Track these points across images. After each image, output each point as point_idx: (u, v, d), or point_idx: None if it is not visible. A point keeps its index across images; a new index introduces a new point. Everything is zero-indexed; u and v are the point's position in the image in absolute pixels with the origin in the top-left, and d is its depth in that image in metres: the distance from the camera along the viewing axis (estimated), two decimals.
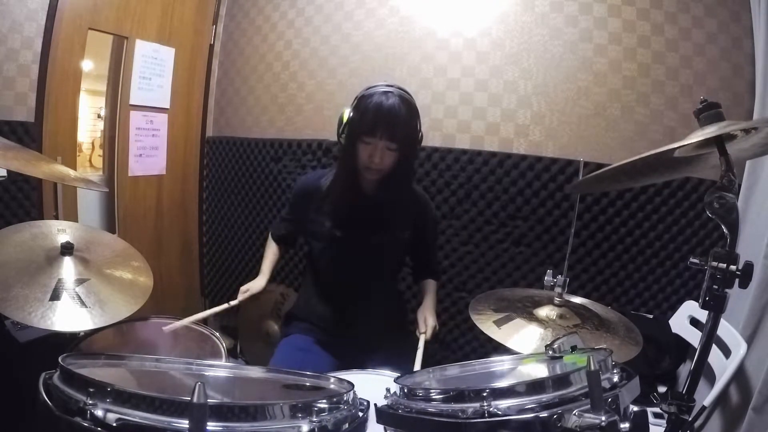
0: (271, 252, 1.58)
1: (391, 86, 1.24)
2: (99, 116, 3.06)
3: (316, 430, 0.60)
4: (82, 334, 1.21)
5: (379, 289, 1.44)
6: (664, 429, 0.85)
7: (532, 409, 0.61)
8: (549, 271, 1.26)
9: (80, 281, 1.13)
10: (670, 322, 1.66)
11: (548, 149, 1.89)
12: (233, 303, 1.48)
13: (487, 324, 1.13)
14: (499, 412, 0.61)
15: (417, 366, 1.20)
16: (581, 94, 1.85)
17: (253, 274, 2.42)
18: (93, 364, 0.76)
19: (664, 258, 1.79)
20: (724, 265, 0.75)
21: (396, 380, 0.80)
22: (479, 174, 1.94)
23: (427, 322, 1.37)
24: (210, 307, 1.50)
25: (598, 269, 1.86)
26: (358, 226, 1.35)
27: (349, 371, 1.12)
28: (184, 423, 0.53)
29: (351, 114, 1.24)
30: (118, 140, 2.22)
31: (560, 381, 0.64)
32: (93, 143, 3.63)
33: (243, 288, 1.50)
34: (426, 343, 1.31)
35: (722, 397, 1.35)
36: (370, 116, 1.19)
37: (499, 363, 0.92)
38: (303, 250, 2.15)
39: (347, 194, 1.32)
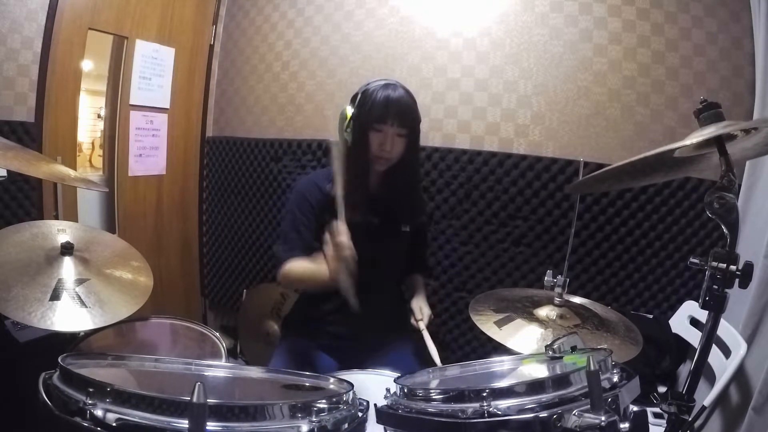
0: (302, 261, 1.26)
1: (390, 80, 1.29)
2: (99, 116, 3.05)
3: (315, 430, 0.61)
4: (82, 334, 1.21)
5: (382, 288, 1.44)
6: (664, 429, 0.85)
7: (531, 409, 0.61)
8: (549, 271, 1.26)
9: (80, 281, 1.13)
10: (670, 322, 1.66)
11: (548, 149, 1.89)
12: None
13: (487, 324, 1.13)
14: (499, 412, 0.61)
15: (435, 355, 1.24)
16: (581, 94, 1.85)
17: (254, 274, 2.46)
18: (93, 364, 0.76)
19: (664, 258, 1.79)
20: (724, 265, 0.75)
21: (396, 380, 0.80)
22: (479, 174, 1.94)
23: (423, 310, 1.40)
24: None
25: (598, 269, 1.85)
26: (365, 224, 1.34)
27: (349, 371, 1.12)
28: (184, 423, 0.53)
29: (358, 106, 1.26)
30: (118, 140, 2.22)
31: (560, 381, 0.64)
32: (93, 143, 3.62)
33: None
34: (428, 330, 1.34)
35: (722, 397, 1.34)
36: (381, 104, 1.23)
37: (499, 363, 0.92)
38: None
39: (359, 187, 1.32)
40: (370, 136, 1.26)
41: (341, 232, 1.07)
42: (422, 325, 1.34)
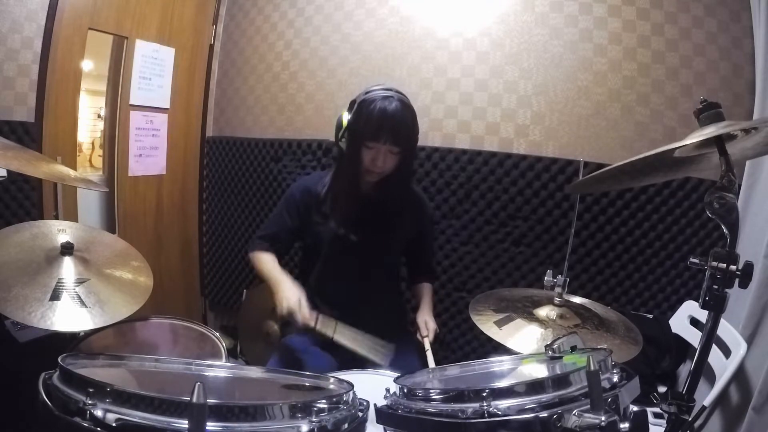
0: (271, 260, 1.38)
1: (389, 89, 1.26)
2: (99, 116, 3.06)
3: (315, 430, 0.60)
4: (82, 334, 1.21)
5: (380, 289, 1.44)
6: (664, 429, 0.85)
7: (531, 409, 0.61)
8: (549, 271, 1.26)
9: (80, 281, 1.13)
10: (670, 322, 1.66)
11: (548, 149, 1.89)
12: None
13: (487, 324, 1.13)
14: (499, 412, 0.61)
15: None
16: (581, 94, 1.85)
17: (254, 274, 2.46)
18: (93, 364, 0.76)
19: (664, 258, 1.79)
20: (724, 265, 0.75)
21: (396, 380, 0.80)
22: (479, 174, 1.94)
23: (428, 325, 1.37)
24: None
25: (598, 269, 1.85)
26: (358, 227, 1.35)
27: (349, 371, 1.12)
28: (184, 423, 0.53)
29: (352, 118, 1.24)
30: (118, 140, 2.22)
31: (560, 381, 0.64)
32: (93, 143, 3.62)
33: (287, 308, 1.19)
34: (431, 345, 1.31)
35: (722, 397, 1.35)
36: (374, 122, 1.20)
37: (499, 363, 0.92)
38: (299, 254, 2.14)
39: (349, 196, 1.33)
40: (363, 151, 1.24)
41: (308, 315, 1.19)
42: (427, 343, 1.31)
